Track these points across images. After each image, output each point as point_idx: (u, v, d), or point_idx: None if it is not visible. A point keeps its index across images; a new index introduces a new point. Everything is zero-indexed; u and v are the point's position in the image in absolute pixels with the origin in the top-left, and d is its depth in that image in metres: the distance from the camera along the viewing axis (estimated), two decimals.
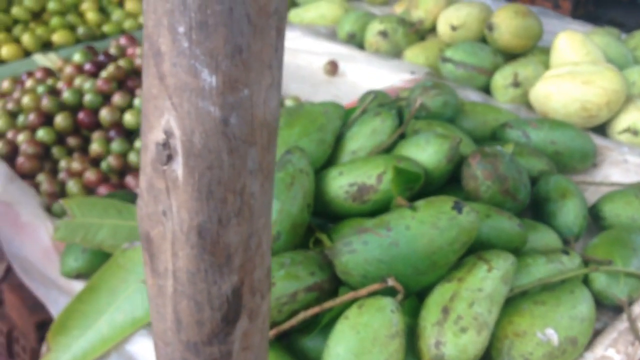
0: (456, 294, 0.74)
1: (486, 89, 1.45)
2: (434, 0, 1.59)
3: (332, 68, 1.57)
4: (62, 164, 1.15)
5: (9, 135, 1.20)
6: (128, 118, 1.18)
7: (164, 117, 0.44)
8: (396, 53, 1.60)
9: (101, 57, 1.29)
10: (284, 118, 0.97)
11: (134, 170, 1.12)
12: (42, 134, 1.17)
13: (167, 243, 0.49)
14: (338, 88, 1.54)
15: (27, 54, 1.57)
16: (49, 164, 1.16)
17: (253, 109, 0.44)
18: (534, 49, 1.50)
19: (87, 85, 1.23)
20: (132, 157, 1.13)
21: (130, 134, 1.19)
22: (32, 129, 1.19)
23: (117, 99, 1.20)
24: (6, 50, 1.53)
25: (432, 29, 1.62)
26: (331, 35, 1.77)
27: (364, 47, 1.66)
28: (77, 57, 1.31)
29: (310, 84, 1.56)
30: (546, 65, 1.44)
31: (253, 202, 0.48)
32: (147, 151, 0.47)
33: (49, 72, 1.38)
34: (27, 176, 1.12)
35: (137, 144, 1.16)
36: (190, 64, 0.42)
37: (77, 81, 1.25)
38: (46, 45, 1.61)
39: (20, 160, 1.12)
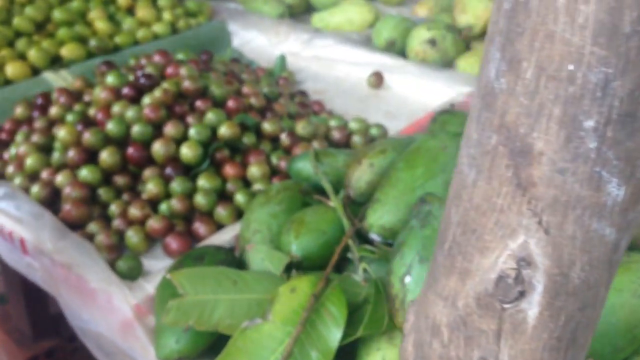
0: None
1: None
2: (484, 5, 1.47)
3: (377, 80, 1.44)
4: (113, 208, 0.99)
5: (44, 175, 1.03)
6: (185, 152, 1.02)
7: (516, 240, 0.31)
8: (445, 62, 1.48)
9: (142, 80, 1.12)
10: (403, 156, 0.84)
11: (203, 215, 0.97)
12: (85, 173, 1.00)
13: None
14: (387, 103, 1.41)
15: (34, 71, 1.38)
16: (96, 208, 0.99)
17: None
18: None
19: (131, 113, 1.06)
20: (199, 200, 0.97)
21: (189, 170, 1.03)
22: (73, 168, 1.02)
23: (170, 129, 1.04)
24: (12, 69, 1.34)
25: (480, 36, 1.51)
26: (365, 42, 1.63)
27: (405, 56, 1.53)
28: (110, 79, 1.14)
29: (356, 98, 1.42)
30: None
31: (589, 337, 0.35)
32: (468, 278, 0.33)
33: (71, 95, 1.20)
34: (76, 226, 0.96)
35: (201, 182, 1.00)
36: (593, 171, 0.28)
37: (116, 108, 1.08)
38: (54, 61, 1.42)
39: (67, 207, 0.95)
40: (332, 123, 1.20)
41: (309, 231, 0.80)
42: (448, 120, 1.11)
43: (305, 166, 0.97)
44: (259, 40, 1.67)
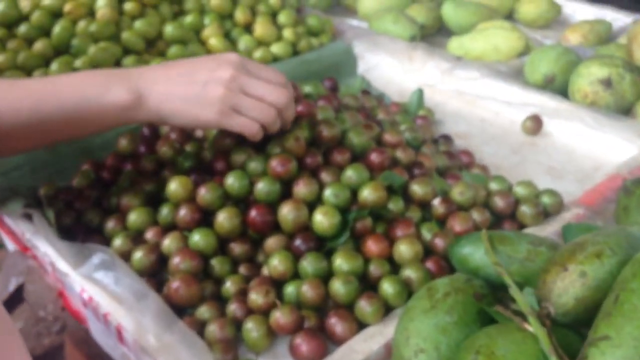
0: None
1: None
2: None
3: (535, 125, 1.20)
4: (228, 285, 0.80)
5: (149, 235, 0.85)
6: (319, 219, 0.82)
7: None
8: (619, 108, 1.22)
9: None
10: (635, 269, 0.60)
11: (340, 308, 0.76)
12: (198, 238, 0.82)
13: None
14: (549, 155, 1.16)
15: None
16: (208, 284, 0.81)
17: None
18: None
19: (254, 165, 0.88)
20: (336, 287, 0.77)
21: (321, 242, 0.83)
22: (183, 229, 0.84)
23: (301, 189, 0.84)
24: None
25: None
26: (515, 75, 1.39)
27: (566, 95, 1.28)
28: None
29: (509, 147, 1.19)
30: None
31: None
32: None
33: (182, 131, 1.03)
34: (182, 308, 0.77)
35: (338, 261, 0.80)
36: None
37: (237, 157, 0.90)
38: None
39: (174, 284, 0.77)
40: (493, 186, 0.97)
41: None
42: None
43: (473, 254, 0.75)
44: (387, 66, 1.46)
